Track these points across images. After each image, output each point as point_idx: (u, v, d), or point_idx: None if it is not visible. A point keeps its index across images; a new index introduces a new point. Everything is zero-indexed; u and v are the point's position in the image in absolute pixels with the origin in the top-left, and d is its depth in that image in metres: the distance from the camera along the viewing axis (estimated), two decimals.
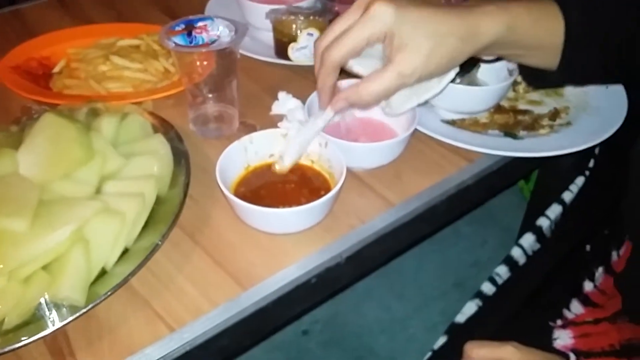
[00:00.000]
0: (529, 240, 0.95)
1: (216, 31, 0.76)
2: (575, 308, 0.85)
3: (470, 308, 0.88)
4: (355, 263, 0.71)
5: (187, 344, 0.59)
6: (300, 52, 0.92)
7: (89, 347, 0.58)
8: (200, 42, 0.75)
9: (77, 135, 0.69)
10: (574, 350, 0.78)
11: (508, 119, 0.85)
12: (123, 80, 0.91)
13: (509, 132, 0.83)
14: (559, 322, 0.83)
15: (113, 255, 0.62)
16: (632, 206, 0.81)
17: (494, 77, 0.85)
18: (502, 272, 0.91)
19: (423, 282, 1.68)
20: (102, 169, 0.69)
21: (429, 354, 0.86)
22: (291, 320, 1.59)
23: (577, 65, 0.71)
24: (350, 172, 0.76)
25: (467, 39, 0.65)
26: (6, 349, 0.54)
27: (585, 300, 0.86)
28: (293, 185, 0.73)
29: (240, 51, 0.95)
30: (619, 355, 0.77)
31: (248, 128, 0.84)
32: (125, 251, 0.64)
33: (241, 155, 0.73)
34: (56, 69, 0.95)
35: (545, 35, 0.69)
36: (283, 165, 0.72)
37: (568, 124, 0.84)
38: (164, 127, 0.79)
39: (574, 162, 1.06)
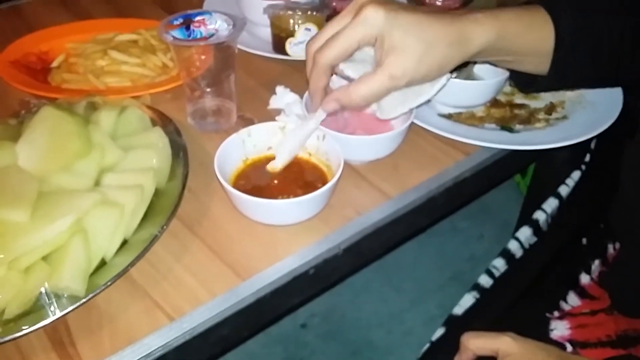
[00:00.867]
0: (525, 233, 0.95)
1: (214, 25, 0.76)
2: (572, 300, 0.86)
3: (468, 300, 0.88)
4: (352, 255, 0.72)
5: (186, 334, 0.60)
6: (298, 47, 0.93)
7: (89, 337, 0.59)
8: (199, 36, 0.75)
9: (76, 128, 0.70)
10: (571, 341, 0.79)
11: (504, 113, 0.86)
12: (121, 74, 0.91)
13: (505, 125, 0.84)
14: (556, 313, 0.84)
15: (112, 246, 0.63)
16: (620, 209, 0.82)
17: (490, 72, 0.86)
18: (500, 264, 0.92)
19: (420, 276, 1.68)
20: (101, 161, 0.69)
21: (427, 345, 0.87)
22: (289, 311, 1.60)
23: (568, 71, 0.72)
24: (347, 164, 0.77)
25: (457, 45, 0.65)
26: (7, 339, 0.54)
27: (582, 293, 0.86)
28: (291, 178, 0.73)
29: (238, 46, 0.95)
30: (614, 345, 0.78)
31: (246, 122, 0.85)
32: (125, 242, 0.64)
33: (239, 148, 0.74)
34: (55, 64, 0.95)
35: (536, 41, 0.70)
36: (275, 166, 0.73)
37: (564, 117, 0.84)
38: (162, 120, 0.80)
39: (570, 156, 1.07)
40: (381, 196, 0.76)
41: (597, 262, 0.89)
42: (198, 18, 0.78)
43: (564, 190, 1.00)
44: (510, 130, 0.83)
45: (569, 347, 0.79)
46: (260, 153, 0.75)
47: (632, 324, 0.78)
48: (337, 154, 0.71)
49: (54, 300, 0.57)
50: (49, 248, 0.59)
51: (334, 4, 1.01)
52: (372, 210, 0.74)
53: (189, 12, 0.79)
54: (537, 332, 0.80)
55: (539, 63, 0.72)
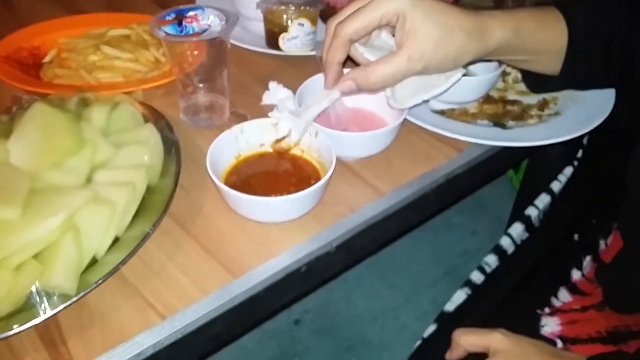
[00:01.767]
0: (517, 229, 0.96)
1: (207, 21, 0.76)
2: (563, 296, 0.86)
3: (460, 296, 0.89)
4: (345, 251, 0.72)
5: (178, 332, 0.60)
6: (291, 42, 0.93)
7: (80, 335, 0.58)
8: (191, 32, 0.75)
9: (67, 125, 0.69)
10: (561, 337, 0.80)
11: (497, 109, 0.86)
12: (114, 70, 0.91)
13: (498, 122, 0.84)
14: (547, 309, 0.84)
15: (104, 244, 0.63)
16: (630, 214, 0.82)
17: (483, 68, 0.86)
18: (491, 261, 0.92)
19: (414, 271, 1.69)
20: (93, 158, 0.69)
21: (419, 342, 0.87)
22: (282, 308, 1.60)
23: (580, 70, 0.74)
24: (340, 161, 0.77)
25: (476, 35, 0.67)
26: None
27: (573, 289, 0.87)
28: (283, 175, 0.73)
29: (231, 41, 0.95)
30: (605, 342, 0.78)
31: (239, 118, 0.84)
32: (116, 240, 0.64)
33: (232, 145, 0.74)
34: (47, 59, 0.94)
35: (549, 39, 0.71)
36: (292, 140, 0.73)
37: (556, 114, 0.85)
38: (154, 116, 0.79)
39: (562, 152, 1.07)
40: (374, 193, 0.76)
41: (588, 258, 0.90)
42: (190, 13, 0.78)
43: (556, 186, 1.00)
44: (503, 126, 0.83)
45: (560, 343, 0.79)
46: (252, 149, 0.75)
47: (623, 320, 0.79)
48: (329, 150, 0.71)
49: (45, 298, 0.57)
50: (40, 246, 0.59)
51: None
52: (365, 207, 0.74)
53: (182, 7, 0.79)
54: (528, 328, 0.81)
55: (552, 62, 0.73)
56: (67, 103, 0.76)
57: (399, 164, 0.79)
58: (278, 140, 0.74)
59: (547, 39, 0.71)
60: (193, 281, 0.64)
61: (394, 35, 0.68)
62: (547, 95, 0.89)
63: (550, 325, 0.81)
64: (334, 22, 0.69)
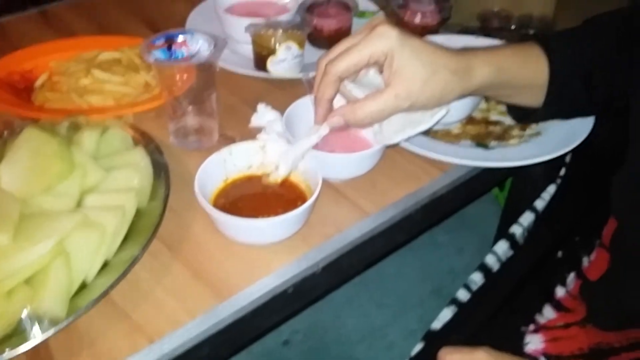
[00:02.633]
0: (502, 247, 0.98)
1: (196, 45, 0.78)
2: (548, 313, 0.88)
3: (446, 315, 0.90)
4: (331, 272, 0.73)
5: (166, 356, 0.60)
6: (279, 65, 0.94)
7: (70, 359, 0.59)
8: (180, 57, 0.77)
9: (58, 149, 0.71)
10: (545, 354, 0.81)
11: (480, 130, 0.88)
12: (104, 93, 0.92)
13: (481, 142, 0.86)
14: (531, 327, 0.86)
15: (93, 268, 0.64)
16: (619, 235, 0.83)
17: None
18: (477, 278, 0.94)
19: (401, 290, 1.70)
20: (83, 182, 0.70)
21: None
22: (270, 329, 1.60)
23: (562, 103, 0.77)
24: (326, 182, 0.78)
25: (461, 74, 0.69)
26: None
27: (557, 306, 0.88)
28: (270, 197, 0.75)
29: (220, 64, 0.97)
30: (587, 358, 0.79)
31: (228, 140, 0.86)
32: (106, 264, 0.65)
33: (220, 168, 0.75)
34: (38, 83, 0.96)
35: (531, 75, 0.75)
36: (278, 175, 0.74)
37: (538, 133, 0.87)
38: (144, 140, 0.81)
39: (545, 171, 1.09)
40: (360, 213, 0.77)
41: (572, 274, 0.91)
42: (180, 38, 0.79)
43: (539, 204, 1.02)
44: (486, 146, 0.85)
45: None
46: (240, 172, 0.77)
47: (605, 337, 0.80)
48: (315, 172, 0.73)
49: (35, 323, 0.58)
50: (31, 270, 0.60)
51: (315, 22, 1.03)
52: (351, 227, 0.75)
53: (171, 32, 0.81)
54: (513, 345, 0.82)
55: (535, 96, 0.77)
56: (58, 127, 0.77)
57: (384, 185, 0.81)
58: (267, 175, 0.75)
59: (529, 75, 0.74)
60: (181, 304, 0.65)
61: (381, 73, 0.70)
62: None
63: (534, 342, 0.83)
64: (324, 60, 0.71)
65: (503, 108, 0.93)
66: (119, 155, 0.76)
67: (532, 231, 1.00)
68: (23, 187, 0.67)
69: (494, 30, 1.91)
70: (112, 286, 0.62)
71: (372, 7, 1.14)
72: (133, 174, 0.73)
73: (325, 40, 1.05)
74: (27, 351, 0.57)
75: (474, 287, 0.92)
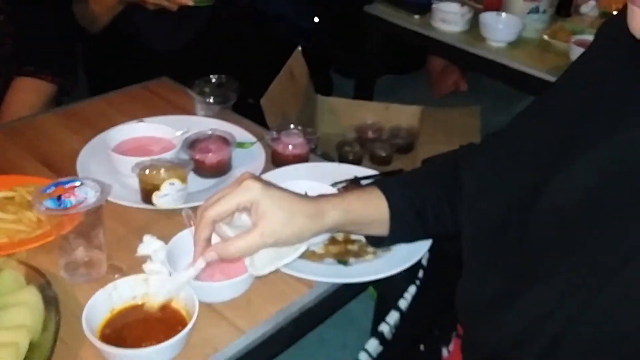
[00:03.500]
0: (373, 344, 1.10)
1: (83, 194, 0.88)
2: None
3: None
4: None
5: None
6: (164, 199, 1.06)
7: None
8: (69, 205, 0.87)
9: None
10: None
11: (340, 249, 1.03)
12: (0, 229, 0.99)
13: (341, 260, 1.00)
14: None
15: None
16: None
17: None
18: None
19: None
20: None
21: None
22: None
23: (403, 232, 0.95)
24: (207, 305, 0.89)
25: (314, 218, 0.85)
26: None
27: None
28: (154, 323, 0.84)
29: (110, 198, 1.07)
30: None
31: (115, 270, 0.95)
32: None
33: (106, 301, 0.84)
34: None
35: (373, 213, 0.92)
36: (152, 305, 0.84)
37: (388, 249, 1.03)
38: (35, 276, 0.88)
39: (407, 273, 1.25)
40: (236, 331, 0.88)
41: None
42: (69, 186, 0.90)
43: (403, 303, 1.17)
44: (345, 263, 1.00)
45: None
46: (125, 303, 0.86)
47: None
48: (193, 299, 0.83)
49: None
50: None
51: (197, 156, 1.16)
52: (228, 345, 0.85)
53: (61, 180, 0.91)
54: None
55: (381, 228, 0.94)
56: None
57: (258, 303, 0.93)
58: (148, 302, 0.85)
59: (371, 213, 0.92)
60: None
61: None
62: None
63: None
64: (202, 206, 0.85)
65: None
66: (11, 294, 0.83)
67: (398, 328, 1.14)
68: None
69: (369, 140, 2.16)
70: None
71: (250, 138, 1.29)
72: (25, 311, 0.80)
73: (208, 171, 1.18)
74: None
75: None
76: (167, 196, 1.06)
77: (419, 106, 2.15)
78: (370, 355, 1.09)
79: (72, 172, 1.14)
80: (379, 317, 1.18)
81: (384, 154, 2.01)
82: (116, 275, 0.92)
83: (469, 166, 0.93)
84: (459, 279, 0.95)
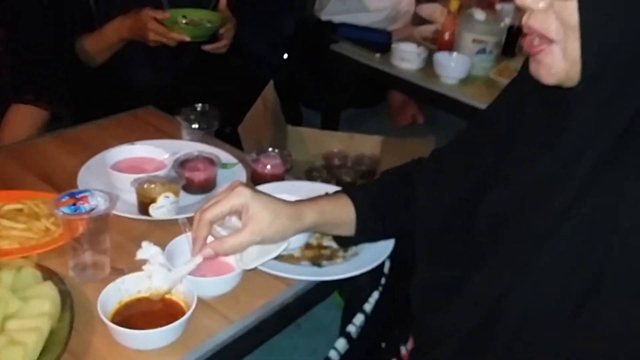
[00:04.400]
0: (341, 343, 1.25)
1: (95, 201, 1.02)
2: None
3: None
4: None
5: None
6: (159, 210, 1.20)
7: None
8: (84, 211, 1.00)
9: None
10: None
11: (315, 253, 1.18)
12: (11, 238, 1.12)
13: (315, 262, 1.16)
14: None
15: None
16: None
17: None
18: None
19: None
20: (5, 310, 0.89)
21: None
22: None
23: (366, 232, 1.12)
24: (201, 299, 1.02)
25: (294, 219, 1.02)
26: None
27: None
28: (157, 313, 0.98)
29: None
30: None
31: (118, 272, 1.08)
32: None
33: (115, 293, 0.98)
34: None
35: (343, 214, 1.09)
36: (159, 292, 0.98)
37: (355, 254, 1.19)
38: (50, 274, 1.01)
39: (370, 280, 1.41)
40: (226, 321, 1.02)
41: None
42: (81, 195, 1.04)
43: (367, 307, 1.32)
44: (319, 265, 1.15)
45: None
46: (131, 296, 0.99)
47: None
48: (191, 293, 0.98)
49: None
50: None
51: (187, 174, 1.31)
52: (219, 332, 1.00)
53: (73, 191, 1.05)
54: None
55: (349, 228, 1.11)
56: None
57: (245, 298, 1.07)
58: (152, 292, 0.99)
59: (341, 214, 1.09)
60: None
61: (241, 219, 1.00)
62: None
63: None
64: (199, 211, 1.00)
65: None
66: (32, 288, 0.96)
67: (363, 328, 1.30)
68: None
69: (335, 167, 2.33)
70: None
71: (233, 160, 1.45)
72: (45, 302, 0.93)
73: (196, 188, 1.33)
74: None
75: None
76: (162, 208, 1.20)
77: (380, 136, 2.34)
78: (338, 352, 1.24)
79: (71, 188, 1.27)
80: (346, 320, 1.33)
81: (349, 180, 2.18)
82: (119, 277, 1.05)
83: (420, 175, 1.11)
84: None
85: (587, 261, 0.76)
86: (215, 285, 1.04)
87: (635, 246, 0.73)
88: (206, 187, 1.33)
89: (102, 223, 1.05)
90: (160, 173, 1.27)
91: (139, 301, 0.99)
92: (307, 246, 1.20)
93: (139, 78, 1.95)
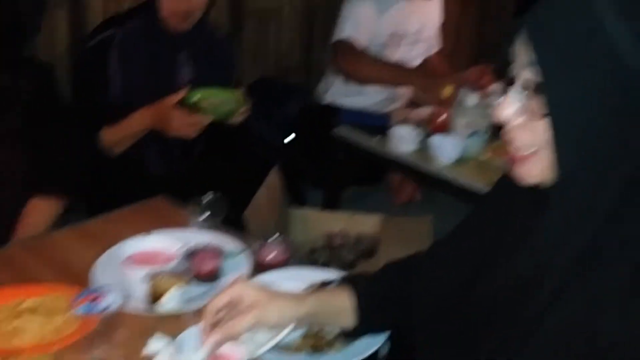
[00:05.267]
0: None
1: (110, 299, 1.10)
2: None
3: None
4: None
5: None
6: (169, 304, 1.28)
7: None
8: (100, 309, 1.08)
9: None
10: None
11: (312, 342, 1.25)
12: (28, 334, 1.19)
13: (314, 350, 1.23)
14: None
15: None
16: None
17: None
18: None
19: None
20: None
21: None
22: None
23: (370, 323, 1.18)
24: None
25: (295, 301, 1.11)
26: None
27: None
28: None
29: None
30: None
31: None
32: None
33: None
34: None
35: (343, 303, 1.16)
36: None
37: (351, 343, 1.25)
38: None
39: None
40: None
41: None
42: (96, 293, 1.12)
43: None
44: (317, 353, 1.22)
45: None
46: None
47: None
48: None
49: None
50: None
51: (194, 266, 1.40)
52: None
53: (88, 288, 1.13)
54: None
55: (349, 319, 1.16)
56: None
57: None
58: None
59: (340, 303, 1.16)
60: None
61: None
62: None
63: None
64: (206, 305, 1.09)
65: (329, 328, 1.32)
66: None
67: None
68: None
69: (337, 247, 2.41)
70: None
71: (237, 248, 1.53)
72: None
73: (205, 277, 1.41)
74: None
75: None
76: (172, 300, 1.28)
77: (379, 215, 2.43)
78: None
79: (85, 282, 1.35)
80: None
81: (350, 259, 2.25)
82: None
83: (418, 268, 1.19)
84: None
85: (576, 342, 0.83)
86: None
87: (622, 326, 0.80)
88: (212, 277, 1.41)
89: (114, 318, 1.13)
90: (170, 266, 1.36)
91: None
92: (305, 336, 1.26)
93: (153, 169, 2.07)
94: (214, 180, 2.07)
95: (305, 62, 3.37)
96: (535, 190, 0.90)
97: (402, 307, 1.19)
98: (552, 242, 0.87)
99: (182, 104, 1.90)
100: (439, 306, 1.10)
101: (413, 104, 2.93)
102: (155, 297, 1.29)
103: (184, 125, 1.89)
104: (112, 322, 1.12)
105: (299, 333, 1.24)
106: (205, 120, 1.91)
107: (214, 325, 1.07)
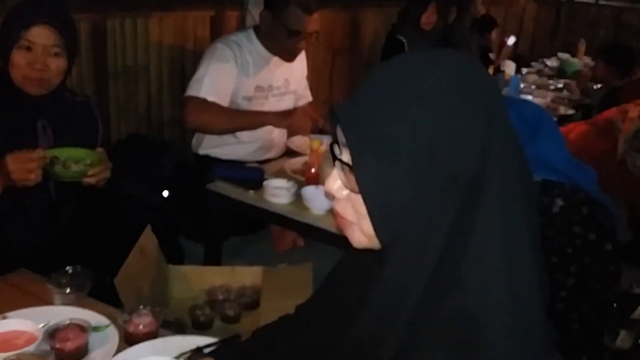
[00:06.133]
0: None
1: None
2: None
3: None
4: None
5: None
6: None
7: None
8: None
9: None
10: None
11: None
12: None
13: None
14: None
15: None
16: None
17: None
18: None
19: None
20: None
21: None
22: None
23: None
24: None
25: None
26: None
27: None
28: None
29: None
30: None
31: None
32: None
33: None
34: None
35: None
36: None
37: None
38: None
39: None
40: None
41: None
42: None
43: None
44: None
45: None
46: None
47: None
48: None
49: None
50: None
51: (57, 346, 1.35)
52: None
53: None
54: None
55: None
56: None
57: None
58: None
59: None
60: None
61: None
62: None
63: None
64: None
65: None
66: None
67: None
68: None
69: (219, 302, 2.40)
70: None
71: (105, 321, 1.50)
72: None
73: (70, 356, 1.36)
74: None
75: None
76: None
77: (260, 267, 2.45)
78: None
79: None
80: None
81: (232, 314, 2.25)
82: None
83: (284, 332, 1.25)
84: None
85: None
86: None
87: None
88: (77, 355, 1.37)
89: None
90: (30, 348, 1.30)
91: None
92: None
93: (13, 238, 1.97)
94: (84, 247, 2.02)
95: (178, 117, 3.38)
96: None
97: None
98: (387, 299, 0.92)
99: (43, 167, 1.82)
100: None
101: (289, 152, 3.01)
102: None
103: (20, 170, 1.77)
104: None
105: None
106: (42, 161, 1.79)
107: None
